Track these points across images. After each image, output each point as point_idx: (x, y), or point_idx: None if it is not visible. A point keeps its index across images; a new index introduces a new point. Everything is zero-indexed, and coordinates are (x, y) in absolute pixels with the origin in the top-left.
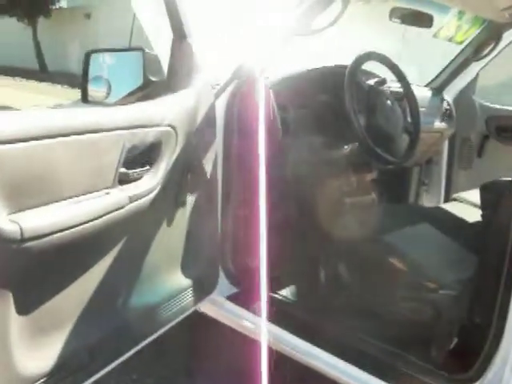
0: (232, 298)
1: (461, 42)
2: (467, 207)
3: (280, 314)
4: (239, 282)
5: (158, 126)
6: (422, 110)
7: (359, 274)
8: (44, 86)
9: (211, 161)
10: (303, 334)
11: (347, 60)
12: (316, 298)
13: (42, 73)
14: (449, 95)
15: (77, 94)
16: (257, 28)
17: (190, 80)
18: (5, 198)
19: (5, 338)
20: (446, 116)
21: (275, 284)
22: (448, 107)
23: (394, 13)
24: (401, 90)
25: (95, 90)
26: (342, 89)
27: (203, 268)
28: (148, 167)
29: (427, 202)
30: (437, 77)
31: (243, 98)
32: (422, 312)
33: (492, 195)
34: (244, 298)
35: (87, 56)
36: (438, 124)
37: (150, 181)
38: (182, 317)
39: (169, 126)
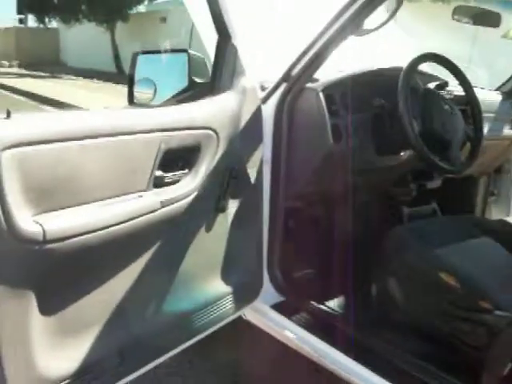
0: (277, 307)
1: None
2: None
3: (325, 327)
4: (286, 291)
5: (197, 128)
6: (490, 115)
7: (409, 290)
8: (120, 87)
9: (256, 166)
10: (347, 349)
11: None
12: (364, 313)
13: (119, 75)
14: None
15: None
16: (306, 29)
17: (233, 82)
18: (30, 199)
19: (26, 336)
20: None
21: (322, 295)
22: None
23: (458, 11)
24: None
25: (141, 92)
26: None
27: (245, 275)
28: (187, 170)
29: (495, 213)
30: (507, 80)
31: (292, 102)
32: (474, 334)
33: None
34: (289, 307)
35: (134, 57)
36: (508, 130)
37: (188, 184)
38: (221, 324)
39: (209, 128)
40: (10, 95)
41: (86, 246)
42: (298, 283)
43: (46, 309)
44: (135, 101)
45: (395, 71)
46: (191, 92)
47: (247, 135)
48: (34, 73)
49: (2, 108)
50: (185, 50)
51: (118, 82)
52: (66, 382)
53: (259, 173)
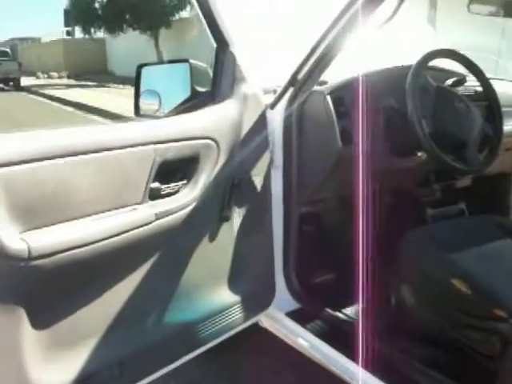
0: (293, 314)
1: None
2: None
3: (341, 335)
4: (302, 298)
5: (194, 138)
6: None
7: (422, 298)
8: None
9: (263, 172)
10: (362, 359)
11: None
12: (380, 321)
13: None
14: None
15: None
16: (311, 31)
17: (233, 90)
18: (16, 217)
19: (18, 350)
20: None
21: (339, 302)
22: None
23: (475, 1)
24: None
25: (147, 103)
26: None
27: (254, 284)
28: (186, 181)
29: None
30: None
31: (300, 106)
32: (488, 343)
33: None
34: (306, 315)
35: (138, 70)
36: None
37: (187, 195)
38: (227, 335)
39: (208, 138)
40: (60, 106)
41: (76, 261)
42: (315, 290)
43: (38, 323)
44: (141, 112)
45: (406, 69)
46: (193, 102)
47: (251, 142)
48: (83, 83)
49: (54, 120)
50: (186, 60)
51: None
52: None
53: (267, 179)
